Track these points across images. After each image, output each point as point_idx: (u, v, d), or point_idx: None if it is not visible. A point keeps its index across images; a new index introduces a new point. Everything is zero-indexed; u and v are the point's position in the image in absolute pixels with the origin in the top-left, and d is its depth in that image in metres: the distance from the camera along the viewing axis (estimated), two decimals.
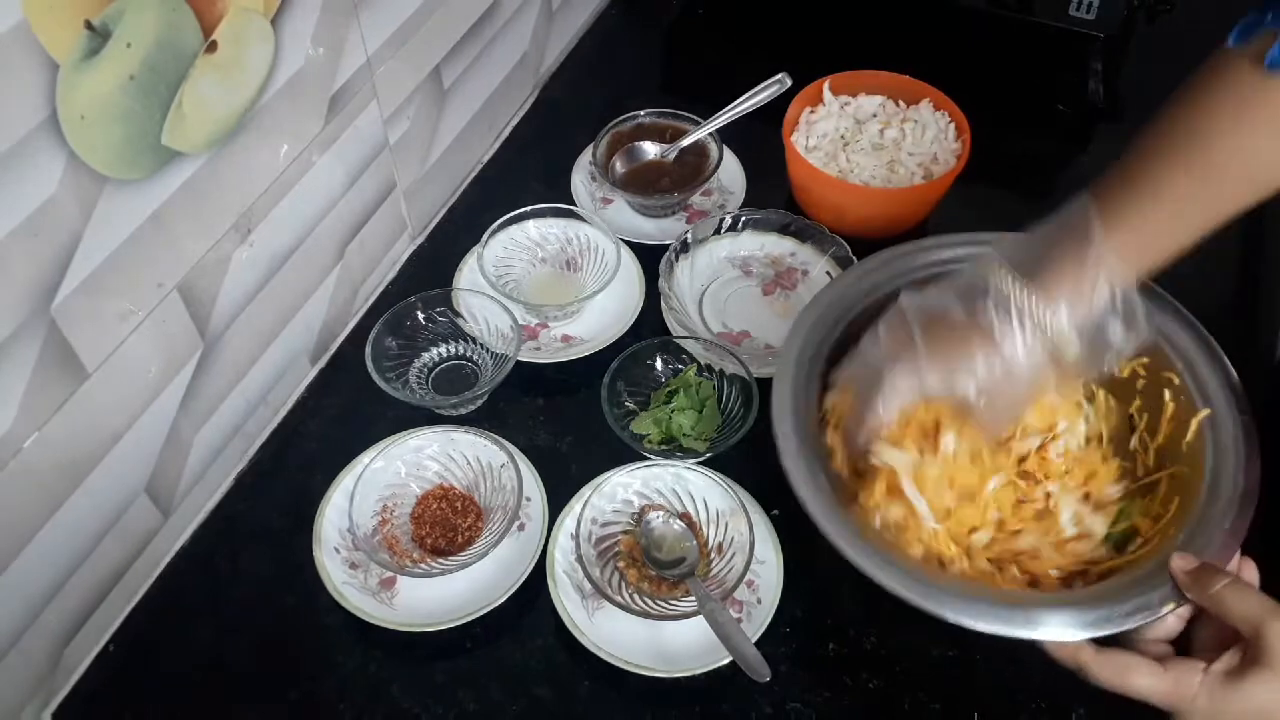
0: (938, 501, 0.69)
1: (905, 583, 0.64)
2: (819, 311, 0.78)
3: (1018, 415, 0.70)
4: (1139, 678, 0.59)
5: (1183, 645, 0.62)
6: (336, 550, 0.77)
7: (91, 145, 0.60)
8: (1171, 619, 0.62)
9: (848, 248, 0.92)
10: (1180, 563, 0.63)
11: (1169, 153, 0.63)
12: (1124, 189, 0.63)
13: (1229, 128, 0.61)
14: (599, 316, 0.93)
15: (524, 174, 1.07)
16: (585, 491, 0.80)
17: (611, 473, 0.79)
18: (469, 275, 0.94)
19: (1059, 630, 0.62)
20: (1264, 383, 0.76)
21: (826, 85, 1.03)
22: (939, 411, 0.69)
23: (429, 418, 0.86)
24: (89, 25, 0.57)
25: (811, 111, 1.03)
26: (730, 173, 1.05)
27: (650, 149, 1.04)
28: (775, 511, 0.79)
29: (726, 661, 0.71)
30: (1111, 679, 0.60)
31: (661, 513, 0.79)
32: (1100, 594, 0.65)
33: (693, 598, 0.73)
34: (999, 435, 0.71)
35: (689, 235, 0.94)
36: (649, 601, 0.74)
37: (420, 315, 0.89)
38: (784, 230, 0.97)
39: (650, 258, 0.94)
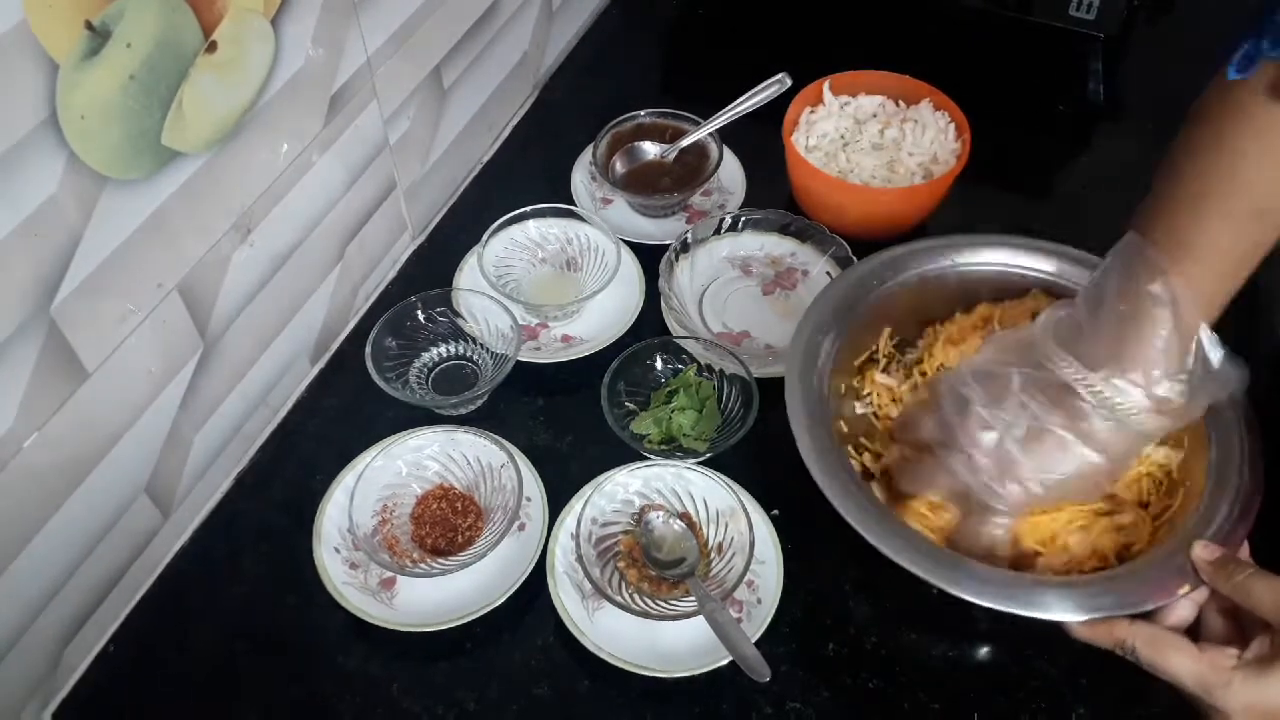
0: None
1: (915, 558, 0.64)
2: (823, 307, 0.79)
3: (1097, 492, 0.69)
4: (1177, 657, 0.59)
5: (1192, 637, 0.62)
6: (336, 550, 0.77)
7: (91, 145, 0.60)
8: (1186, 608, 0.62)
9: (848, 248, 0.92)
10: (1202, 552, 0.63)
11: (1205, 204, 0.61)
12: (1179, 248, 0.62)
13: (1260, 165, 0.60)
14: (599, 316, 0.93)
15: (524, 174, 1.07)
16: (585, 491, 0.80)
17: (612, 473, 0.79)
18: (469, 275, 0.94)
19: (1069, 611, 0.62)
20: (1265, 381, 0.76)
21: (826, 85, 1.03)
22: None
23: (429, 418, 0.86)
24: (89, 25, 0.57)
25: (811, 111, 1.03)
26: (730, 173, 1.05)
27: (650, 149, 1.04)
28: (775, 511, 0.79)
29: (726, 661, 0.71)
30: (1148, 655, 0.60)
31: (661, 513, 0.79)
32: (1112, 580, 0.65)
33: (693, 598, 0.73)
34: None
35: (689, 235, 0.94)
36: (649, 601, 0.74)
37: (420, 315, 0.89)
38: (784, 230, 0.97)
39: (650, 258, 0.94)
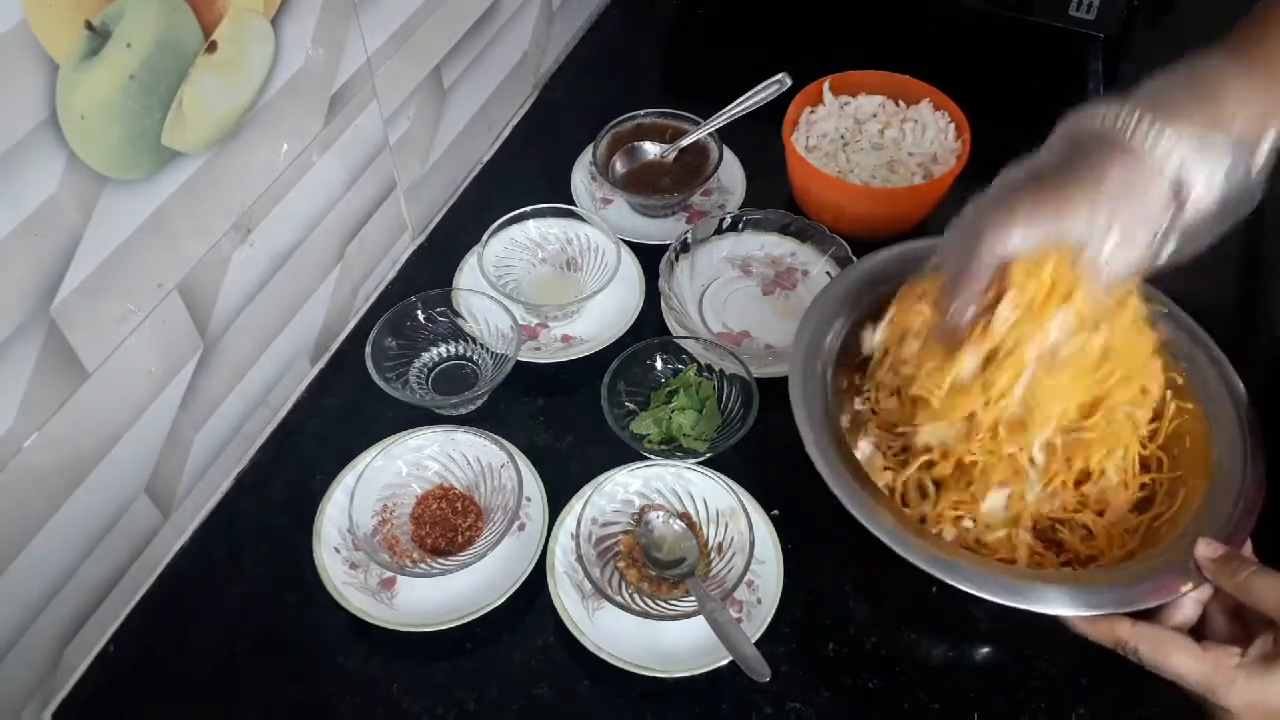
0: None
1: (919, 554, 0.64)
2: (824, 306, 0.79)
3: (1138, 262, 0.62)
4: (1179, 656, 0.59)
5: (1195, 635, 0.61)
6: (336, 550, 0.77)
7: (91, 145, 0.60)
8: (1190, 607, 0.62)
9: (848, 248, 0.92)
10: (1206, 549, 0.63)
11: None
12: (1256, 57, 0.60)
13: None
14: (599, 316, 0.93)
15: (524, 174, 1.07)
16: (585, 491, 0.80)
17: (612, 472, 0.79)
18: (469, 275, 0.94)
19: (1071, 606, 0.62)
20: (1265, 380, 0.76)
21: (826, 85, 1.03)
22: (1051, 281, 0.63)
23: (429, 418, 0.86)
24: (89, 25, 0.57)
25: (811, 111, 1.03)
26: (730, 173, 1.05)
27: (650, 149, 1.04)
28: (775, 511, 0.79)
29: (726, 661, 0.71)
30: (1150, 654, 0.59)
31: (661, 513, 0.79)
32: (1114, 577, 0.65)
33: (693, 598, 0.73)
34: (1117, 286, 0.64)
35: (689, 235, 0.94)
36: (649, 601, 0.74)
37: (420, 315, 0.89)
38: (784, 230, 0.97)
39: (650, 258, 0.94)
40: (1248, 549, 0.64)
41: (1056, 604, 0.62)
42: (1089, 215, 0.60)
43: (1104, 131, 0.60)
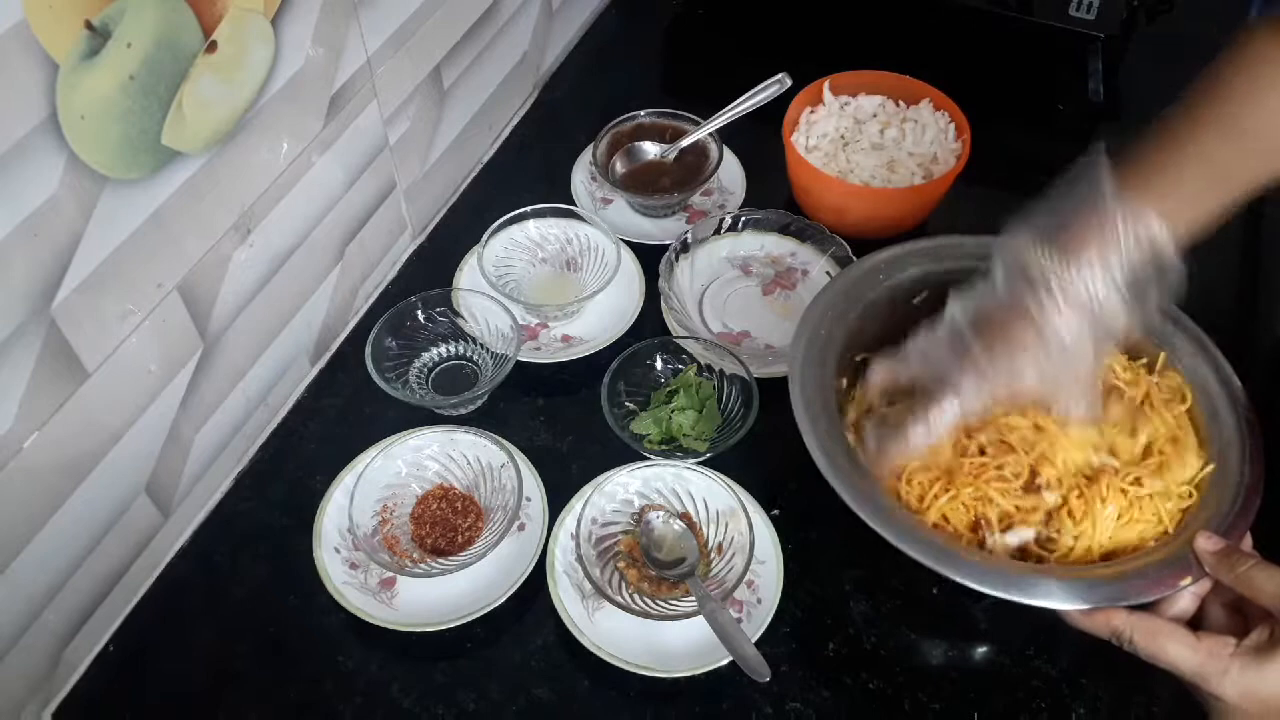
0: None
1: (918, 547, 0.64)
2: (824, 305, 0.79)
3: (1086, 391, 0.68)
4: (1174, 646, 0.59)
5: (1194, 628, 0.62)
6: (336, 550, 0.77)
7: (91, 145, 0.60)
8: (1187, 599, 0.62)
9: (848, 248, 0.92)
10: (1205, 543, 0.63)
11: (1200, 119, 0.63)
12: (1159, 152, 0.64)
13: (1258, 93, 0.61)
14: (599, 316, 0.93)
15: (524, 174, 1.07)
16: (585, 491, 0.80)
17: (612, 472, 0.79)
18: (469, 275, 0.94)
19: (1069, 600, 0.62)
20: (1264, 380, 0.76)
21: (826, 85, 1.03)
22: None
23: (429, 418, 0.86)
24: (89, 25, 0.57)
25: (811, 111, 1.03)
26: (730, 173, 1.05)
27: (650, 149, 1.04)
28: (775, 511, 0.79)
29: (726, 661, 0.71)
30: (1145, 644, 0.60)
31: (661, 513, 0.79)
32: (1113, 570, 0.65)
33: (693, 598, 0.73)
34: (1080, 415, 0.69)
35: (689, 235, 0.94)
36: (649, 602, 0.74)
37: (420, 315, 0.89)
38: (784, 230, 0.97)
39: (650, 258, 0.94)
40: (1247, 544, 0.65)
41: (1055, 598, 0.63)
42: (1039, 371, 0.65)
43: (1035, 275, 0.64)
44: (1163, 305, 0.64)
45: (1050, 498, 0.69)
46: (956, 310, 0.68)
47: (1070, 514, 0.68)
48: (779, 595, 0.75)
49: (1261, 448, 0.69)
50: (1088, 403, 0.68)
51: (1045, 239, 0.64)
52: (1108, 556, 0.68)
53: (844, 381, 0.78)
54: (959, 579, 0.63)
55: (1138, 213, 0.62)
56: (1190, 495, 0.69)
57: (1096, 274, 0.62)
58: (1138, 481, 0.69)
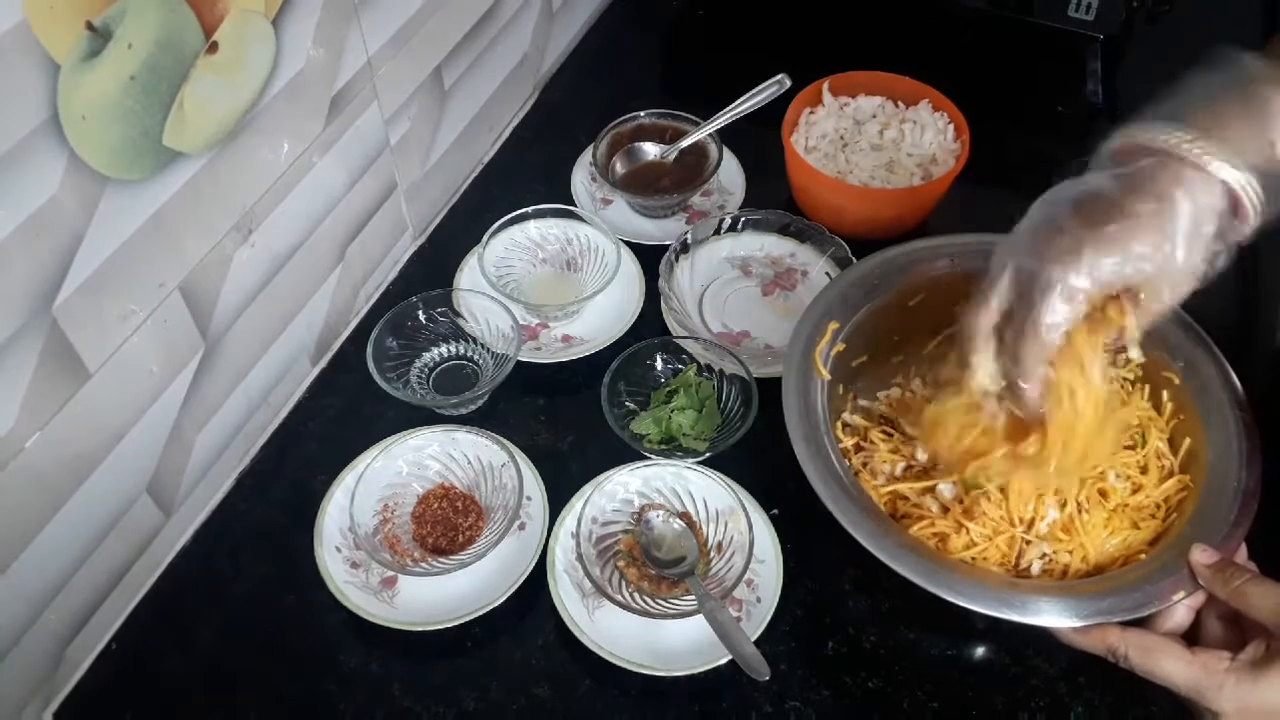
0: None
1: (909, 564, 0.64)
2: (822, 308, 0.79)
3: (1188, 290, 0.59)
4: (1168, 661, 0.59)
5: (1190, 640, 0.62)
6: (338, 549, 0.77)
7: (92, 146, 0.60)
8: (1182, 612, 0.62)
9: (847, 248, 0.92)
10: (1200, 556, 0.63)
11: None
12: None
13: None
14: (599, 316, 0.93)
15: (524, 174, 1.08)
16: (585, 491, 0.80)
17: (612, 472, 0.79)
18: (469, 275, 0.94)
19: (1063, 617, 0.62)
20: (1264, 382, 0.76)
21: (826, 86, 1.03)
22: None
23: (430, 417, 0.86)
24: (90, 26, 0.57)
25: (811, 112, 1.03)
26: (730, 173, 1.05)
27: (650, 149, 1.04)
28: (775, 511, 0.79)
29: (726, 661, 0.71)
30: (1140, 660, 0.60)
31: (661, 512, 0.79)
32: (1107, 585, 0.65)
33: (692, 597, 0.73)
34: (1160, 318, 0.61)
35: (689, 235, 0.94)
36: (649, 601, 0.74)
37: (421, 315, 0.89)
38: (784, 230, 0.97)
39: (650, 258, 0.94)
40: (1243, 553, 0.64)
41: (1049, 615, 0.62)
42: (1155, 244, 0.56)
43: (1161, 150, 0.57)
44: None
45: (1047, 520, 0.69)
46: (1051, 196, 0.60)
47: (1065, 529, 0.69)
48: (778, 594, 0.75)
49: (1259, 452, 0.69)
50: (1188, 288, 0.59)
51: (1173, 119, 0.57)
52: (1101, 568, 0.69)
53: (841, 388, 0.79)
54: (952, 599, 0.63)
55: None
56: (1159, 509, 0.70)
57: (1247, 149, 0.55)
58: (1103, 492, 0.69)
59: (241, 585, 0.78)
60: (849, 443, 0.77)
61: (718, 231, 0.97)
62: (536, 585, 0.76)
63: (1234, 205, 0.57)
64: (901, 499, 0.73)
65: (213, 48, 0.67)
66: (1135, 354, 0.64)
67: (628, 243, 0.96)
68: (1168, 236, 0.56)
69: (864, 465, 0.76)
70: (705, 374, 0.87)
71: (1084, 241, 0.57)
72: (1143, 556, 0.67)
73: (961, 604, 0.63)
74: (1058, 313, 0.58)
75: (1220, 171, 0.56)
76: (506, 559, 0.77)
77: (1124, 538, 0.69)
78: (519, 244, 0.96)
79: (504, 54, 1.06)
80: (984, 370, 0.62)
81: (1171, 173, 0.56)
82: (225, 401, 0.81)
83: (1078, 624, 0.62)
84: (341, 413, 0.88)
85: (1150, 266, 0.57)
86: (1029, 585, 0.66)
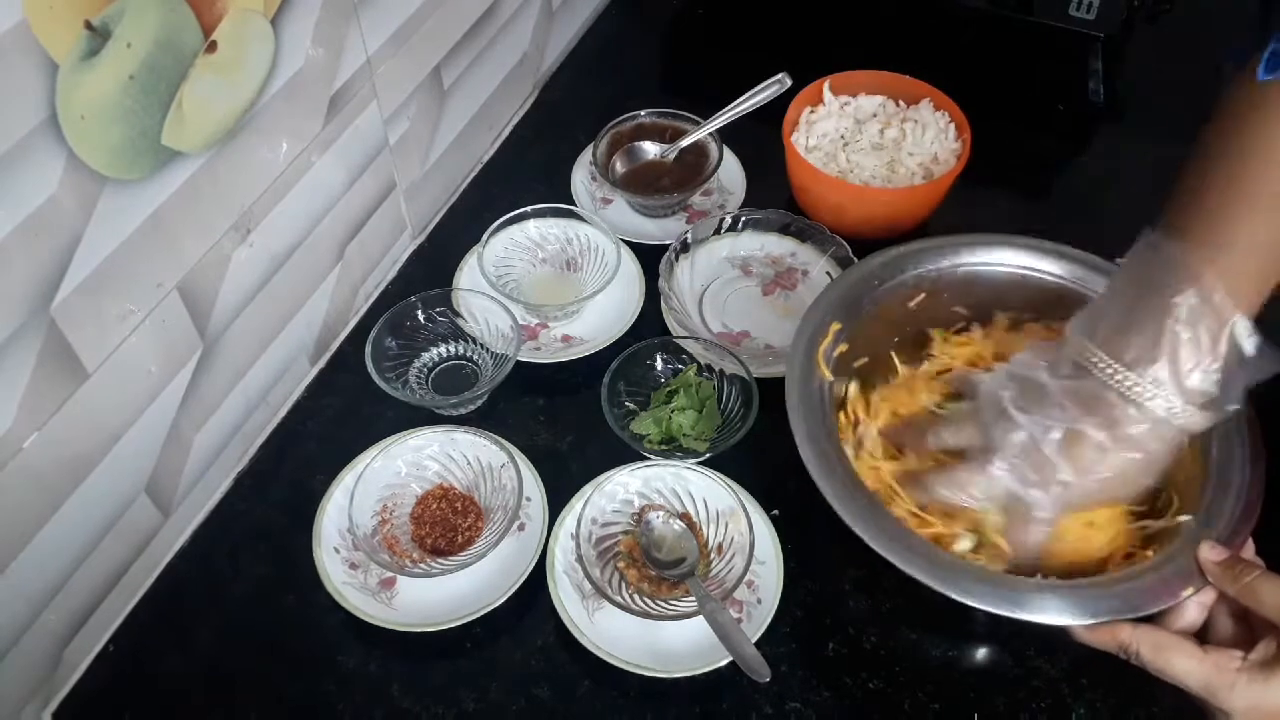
0: None
1: (915, 563, 0.64)
2: (824, 308, 0.78)
3: (1145, 481, 0.67)
4: (1180, 659, 0.59)
5: (1201, 638, 0.61)
6: (336, 550, 0.77)
7: (91, 145, 0.60)
8: (1194, 610, 0.62)
9: (848, 248, 0.92)
10: (1209, 553, 0.62)
11: (1242, 198, 0.61)
12: (1208, 233, 0.61)
13: None
14: (599, 316, 0.93)
15: (524, 174, 1.07)
16: (585, 491, 0.80)
17: (612, 473, 0.79)
18: (469, 275, 0.94)
19: (1072, 615, 0.62)
20: (1264, 381, 0.75)
21: (826, 85, 1.03)
22: None
23: (429, 418, 0.86)
24: (89, 25, 0.57)
25: (811, 111, 1.03)
26: (730, 173, 1.05)
27: (650, 149, 1.04)
28: (775, 511, 0.79)
29: (726, 661, 0.71)
30: (1152, 658, 0.59)
31: (661, 513, 0.79)
32: (1114, 583, 0.65)
33: (693, 598, 0.73)
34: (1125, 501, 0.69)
35: (689, 235, 0.94)
36: (649, 602, 0.74)
37: (420, 315, 0.89)
38: (784, 230, 0.97)
39: (650, 258, 0.94)
40: (1250, 549, 0.64)
41: (1057, 613, 0.62)
42: (1121, 476, 0.65)
43: (1103, 383, 0.63)
44: (1251, 385, 0.62)
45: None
46: (1028, 423, 0.66)
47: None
48: (779, 595, 0.75)
49: (1263, 449, 0.69)
50: (1137, 491, 0.68)
51: (1110, 349, 0.63)
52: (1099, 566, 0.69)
53: (843, 388, 0.78)
54: (957, 596, 0.62)
55: (1205, 307, 0.60)
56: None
57: (1169, 388, 0.61)
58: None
59: (240, 586, 0.78)
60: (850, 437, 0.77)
61: (718, 231, 0.96)
62: (536, 586, 0.75)
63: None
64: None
65: (211, 47, 0.66)
66: None
67: (628, 242, 0.96)
68: (1123, 460, 0.64)
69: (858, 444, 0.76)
70: (705, 374, 0.87)
71: (1072, 488, 0.65)
72: (1150, 554, 0.67)
73: (971, 603, 0.62)
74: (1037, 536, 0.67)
75: (1155, 417, 0.62)
76: (506, 560, 0.77)
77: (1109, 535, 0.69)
78: (519, 243, 0.96)
79: (503, 53, 1.06)
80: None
81: (1113, 412, 0.63)
82: (224, 401, 0.80)
83: (1087, 622, 0.62)
84: (340, 413, 0.88)
85: (1111, 478, 0.65)
86: (1037, 584, 0.66)
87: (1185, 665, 0.58)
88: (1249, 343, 0.61)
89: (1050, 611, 0.62)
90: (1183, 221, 0.62)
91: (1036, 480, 0.65)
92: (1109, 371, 0.62)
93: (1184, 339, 0.60)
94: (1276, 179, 0.60)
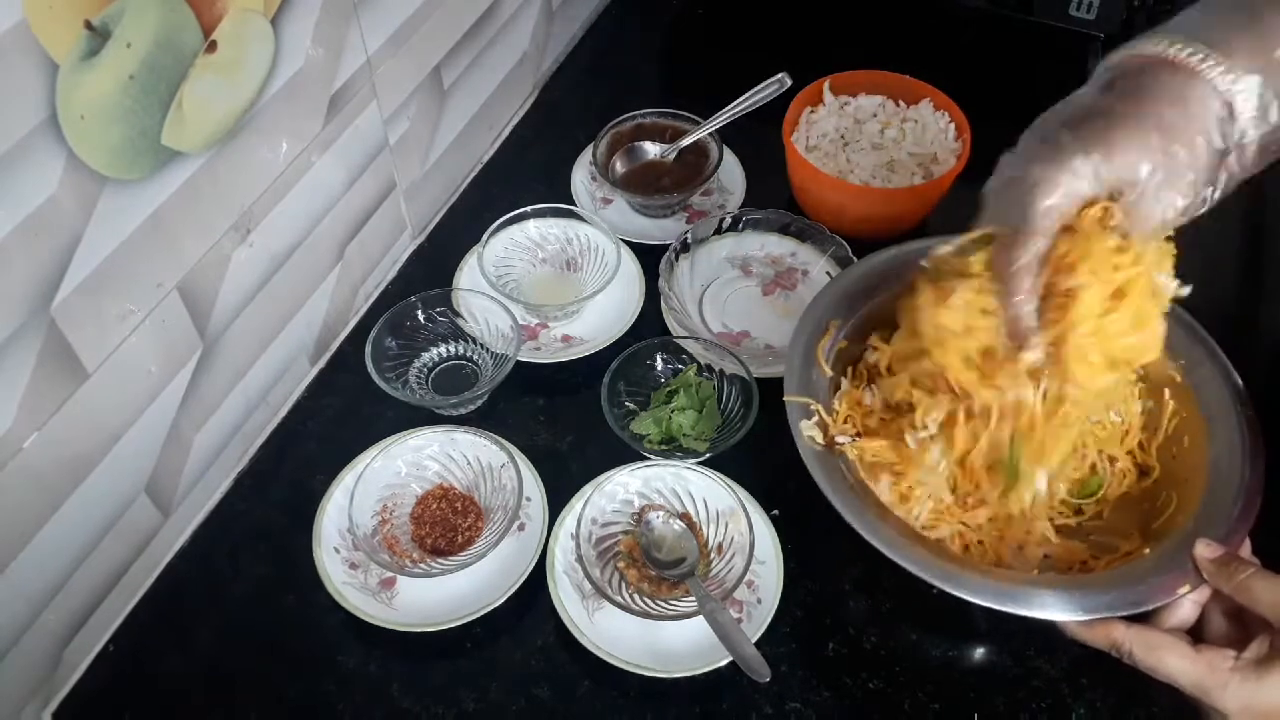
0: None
1: (914, 559, 0.64)
2: (823, 307, 0.78)
3: (1184, 209, 0.58)
4: (1173, 658, 0.58)
5: (1195, 636, 0.61)
6: (336, 550, 0.77)
7: (91, 145, 0.60)
8: (1188, 608, 0.62)
9: (848, 248, 0.92)
10: (1205, 551, 0.62)
11: None
12: None
13: None
14: (599, 316, 0.93)
15: (524, 174, 1.07)
16: (585, 491, 0.80)
17: (612, 473, 0.79)
18: (469, 275, 0.94)
19: (1066, 610, 0.62)
20: (1265, 378, 0.76)
21: (826, 85, 1.03)
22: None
23: (429, 418, 0.86)
24: (89, 25, 0.57)
25: (811, 111, 1.03)
26: (730, 173, 1.05)
27: (650, 149, 1.04)
28: (775, 511, 0.79)
29: (726, 661, 0.71)
30: (1144, 657, 0.59)
31: (661, 513, 0.79)
32: (1111, 580, 0.65)
33: (693, 598, 0.73)
34: (1154, 232, 0.59)
35: (689, 235, 0.94)
36: (649, 602, 0.74)
37: (420, 315, 0.89)
38: (784, 230, 0.97)
39: (650, 258, 0.94)
40: (1246, 548, 0.64)
41: (1052, 608, 0.62)
42: (1139, 153, 0.55)
43: (1153, 58, 0.56)
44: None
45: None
46: (1046, 117, 0.59)
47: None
48: (779, 595, 0.75)
49: (1262, 448, 0.69)
50: (1183, 203, 0.57)
51: (1172, 32, 0.55)
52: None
53: (842, 384, 0.78)
54: (954, 591, 0.63)
55: None
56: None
57: (1248, 62, 0.54)
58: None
59: (240, 586, 0.78)
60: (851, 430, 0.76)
61: (718, 231, 0.96)
62: (536, 586, 0.75)
63: (1230, 112, 0.55)
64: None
65: (211, 47, 0.66)
66: (1174, 287, 0.62)
67: (628, 242, 0.96)
68: (1155, 137, 0.55)
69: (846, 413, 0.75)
70: (705, 374, 0.87)
71: (1068, 143, 0.57)
72: (1146, 551, 0.67)
73: (968, 599, 0.62)
74: (1041, 219, 0.58)
75: (1210, 73, 0.55)
76: (506, 560, 0.77)
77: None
78: (519, 243, 0.96)
79: (503, 53, 1.06)
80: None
81: (1161, 79, 0.56)
82: (224, 401, 0.80)
83: (1082, 618, 0.62)
84: (340, 413, 0.88)
85: (1137, 170, 0.56)
86: (1033, 579, 0.66)
87: (1178, 665, 0.58)
88: None
89: (1047, 607, 0.62)
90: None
91: (1030, 159, 0.58)
92: (1170, 50, 0.55)
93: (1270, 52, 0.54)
94: None
